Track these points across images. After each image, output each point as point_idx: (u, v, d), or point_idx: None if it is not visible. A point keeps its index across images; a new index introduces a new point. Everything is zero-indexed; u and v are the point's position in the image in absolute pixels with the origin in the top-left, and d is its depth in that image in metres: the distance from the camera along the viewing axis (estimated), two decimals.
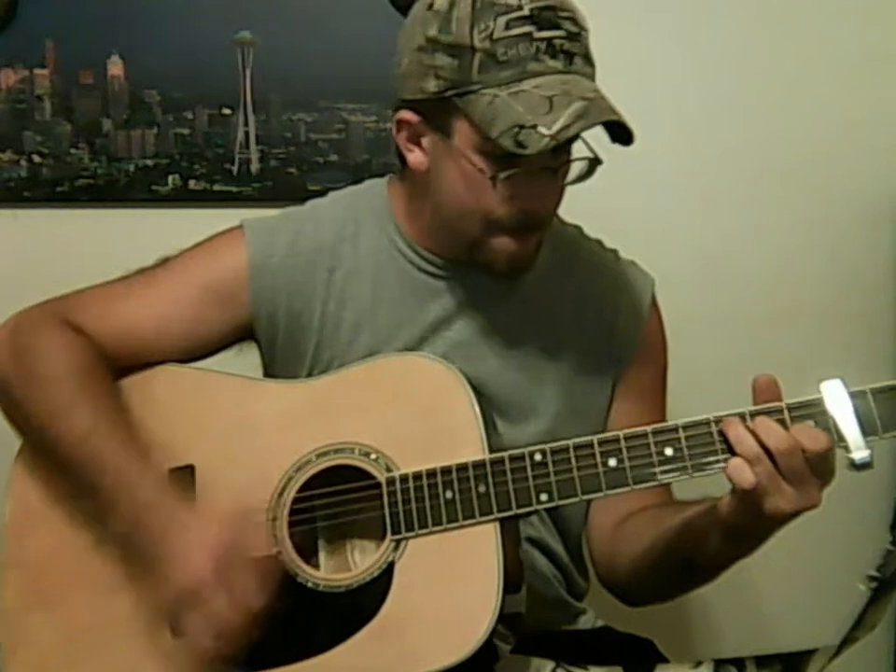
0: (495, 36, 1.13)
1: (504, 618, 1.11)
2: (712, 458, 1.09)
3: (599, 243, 1.40)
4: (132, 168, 1.79)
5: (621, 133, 1.14)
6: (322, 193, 1.40)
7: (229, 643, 1.10)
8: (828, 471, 1.06)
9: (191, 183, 1.80)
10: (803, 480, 1.05)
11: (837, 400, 1.07)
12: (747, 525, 1.09)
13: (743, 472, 1.05)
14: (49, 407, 1.22)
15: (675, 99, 1.81)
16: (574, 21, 1.16)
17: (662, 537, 1.21)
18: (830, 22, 1.82)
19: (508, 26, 1.13)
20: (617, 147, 1.16)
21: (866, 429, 1.06)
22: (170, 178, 1.79)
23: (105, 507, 1.17)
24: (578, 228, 1.40)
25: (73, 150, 1.78)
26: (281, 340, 1.32)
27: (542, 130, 1.10)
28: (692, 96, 1.82)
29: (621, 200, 1.69)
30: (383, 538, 1.17)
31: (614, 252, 1.40)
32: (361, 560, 1.22)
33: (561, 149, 1.16)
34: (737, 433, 1.07)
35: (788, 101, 1.83)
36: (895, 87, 1.84)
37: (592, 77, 1.17)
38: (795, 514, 1.07)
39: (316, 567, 1.21)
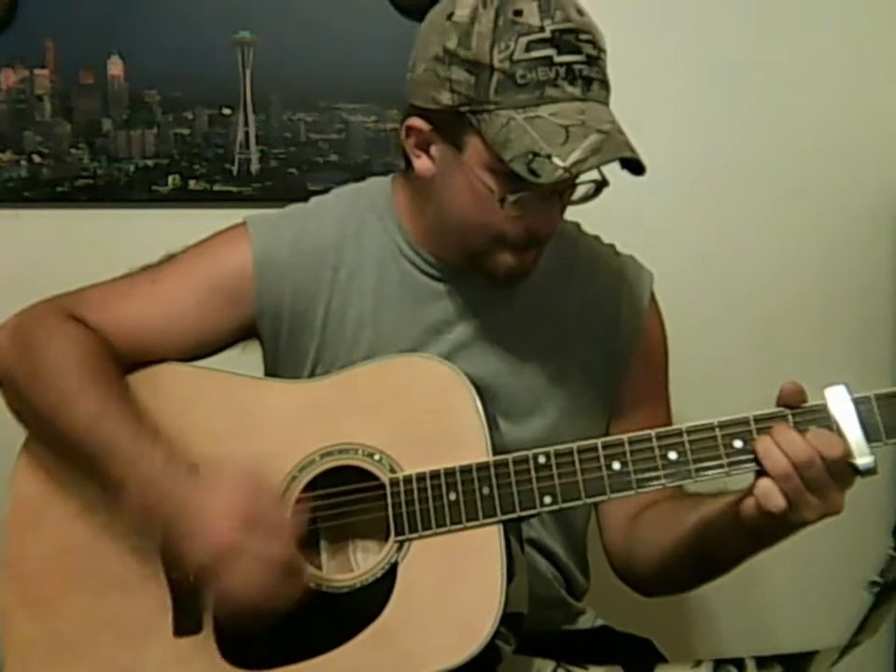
0: (515, 58, 1.11)
1: (506, 619, 1.11)
2: (715, 463, 1.10)
3: (597, 238, 1.40)
4: (132, 168, 1.78)
5: (631, 163, 1.13)
6: (322, 193, 1.39)
7: (280, 579, 1.10)
8: (846, 475, 1.06)
9: (191, 183, 1.79)
10: (825, 488, 1.05)
11: (841, 406, 1.07)
12: (770, 530, 1.10)
13: (773, 497, 1.05)
14: (56, 396, 1.20)
15: (675, 100, 1.82)
16: (594, 43, 1.14)
17: (682, 533, 1.21)
18: (830, 23, 1.82)
19: (528, 48, 1.11)
20: None
21: (870, 435, 1.06)
22: (170, 178, 1.79)
23: (118, 488, 1.15)
24: (576, 224, 1.39)
25: (73, 150, 1.77)
26: (285, 337, 1.32)
27: (557, 161, 1.09)
28: (692, 97, 1.82)
29: (621, 200, 1.68)
30: (386, 539, 1.17)
31: (612, 247, 1.40)
32: (364, 561, 1.22)
33: None
34: (764, 446, 1.06)
35: (788, 101, 1.83)
36: (895, 87, 1.84)
37: (606, 102, 1.16)
38: (819, 520, 1.07)
39: (319, 567, 1.22)
